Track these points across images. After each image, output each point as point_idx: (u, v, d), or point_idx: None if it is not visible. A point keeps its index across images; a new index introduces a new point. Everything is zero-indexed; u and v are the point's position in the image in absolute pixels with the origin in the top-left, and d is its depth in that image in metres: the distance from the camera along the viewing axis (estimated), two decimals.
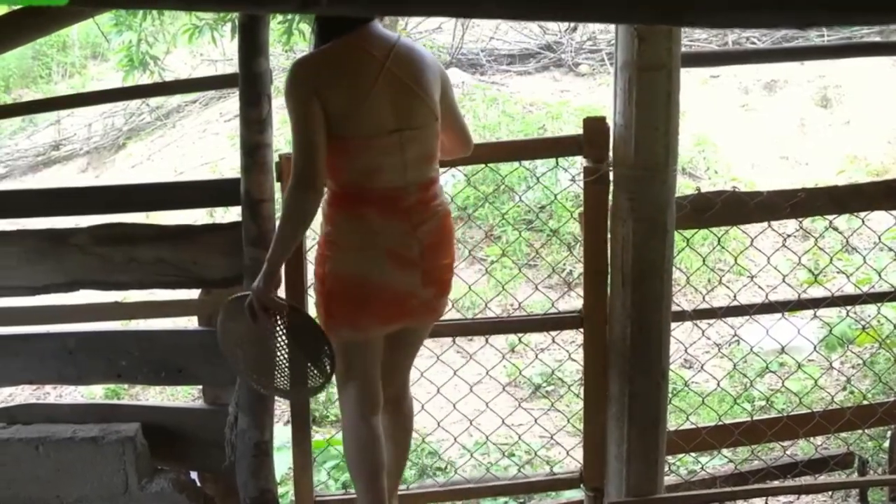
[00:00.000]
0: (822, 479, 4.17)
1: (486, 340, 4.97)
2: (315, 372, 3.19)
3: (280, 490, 3.77)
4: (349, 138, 3.00)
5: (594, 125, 3.48)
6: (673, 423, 4.18)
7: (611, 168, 3.37)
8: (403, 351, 3.36)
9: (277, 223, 3.11)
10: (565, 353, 5.02)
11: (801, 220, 3.93)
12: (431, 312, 3.27)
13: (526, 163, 4.96)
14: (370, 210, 3.07)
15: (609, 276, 3.49)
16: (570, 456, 4.18)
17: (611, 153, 3.36)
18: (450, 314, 3.62)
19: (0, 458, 3.30)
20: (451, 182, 6.55)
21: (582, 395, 3.74)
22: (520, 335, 5.03)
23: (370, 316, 3.14)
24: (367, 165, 3.04)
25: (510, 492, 4.15)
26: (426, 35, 11.85)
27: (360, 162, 3.03)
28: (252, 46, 3.14)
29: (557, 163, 4.47)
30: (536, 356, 4.77)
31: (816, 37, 9.45)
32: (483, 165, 4.33)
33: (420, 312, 3.21)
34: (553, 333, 4.42)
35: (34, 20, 3.16)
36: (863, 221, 4.35)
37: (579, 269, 5.17)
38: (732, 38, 10.43)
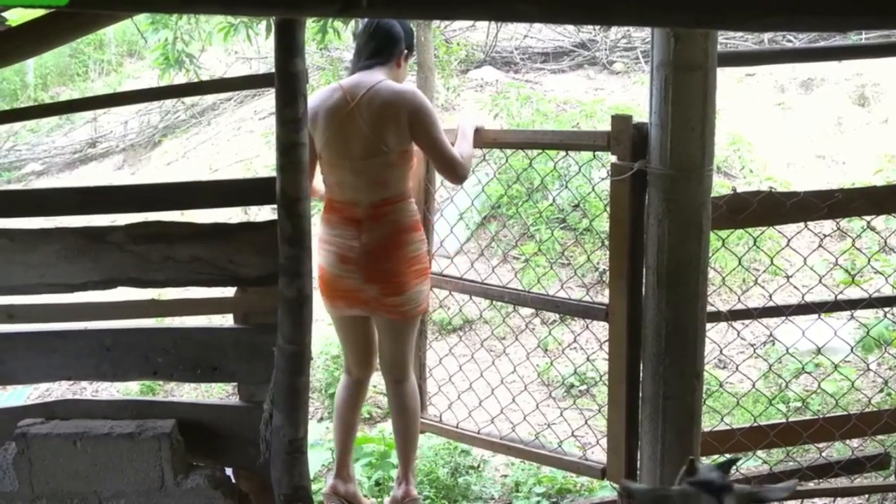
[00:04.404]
0: (859, 481, 4.13)
1: (516, 337, 4.98)
2: None
3: (313, 487, 3.79)
4: (321, 158, 3.87)
5: (621, 124, 3.48)
6: (707, 423, 4.15)
7: (647, 168, 3.36)
8: (384, 338, 4.03)
9: None
10: (598, 353, 5.00)
11: (837, 220, 3.89)
12: (384, 308, 3.90)
13: (560, 163, 4.93)
14: (333, 216, 3.90)
15: (636, 274, 3.51)
16: (599, 445, 4.19)
17: (648, 153, 3.34)
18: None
19: (39, 452, 3.34)
20: (484, 181, 6.56)
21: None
22: (551, 328, 5.02)
23: (337, 299, 3.95)
24: (331, 181, 3.91)
25: (536, 459, 4.24)
26: (460, 33, 11.85)
27: (328, 178, 3.92)
28: (288, 47, 3.15)
29: (594, 156, 4.45)
30: (562, 351, 4.76)
31: (854, 35, 9.36)
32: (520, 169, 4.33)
33: (373, 305, 3.90)
34: (581, 329, 4.41)
35: (73, 22, 3.19)
36: None
37: None
38: (768, 35, 10.35)
